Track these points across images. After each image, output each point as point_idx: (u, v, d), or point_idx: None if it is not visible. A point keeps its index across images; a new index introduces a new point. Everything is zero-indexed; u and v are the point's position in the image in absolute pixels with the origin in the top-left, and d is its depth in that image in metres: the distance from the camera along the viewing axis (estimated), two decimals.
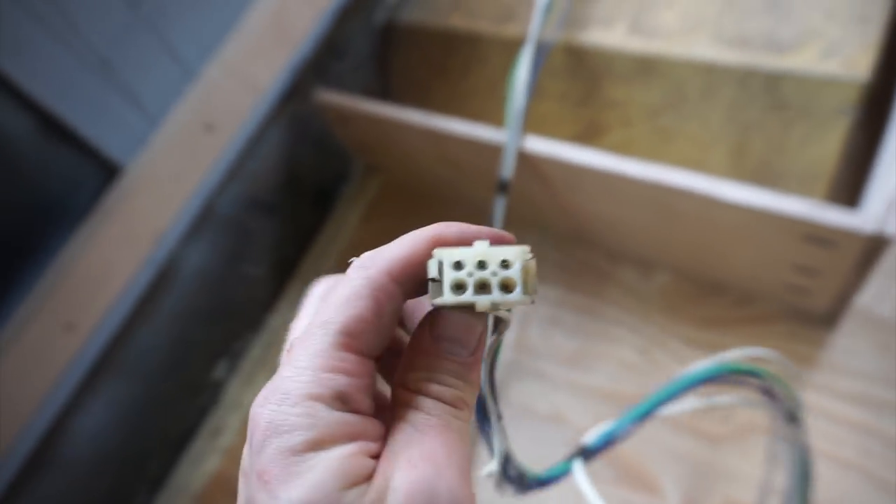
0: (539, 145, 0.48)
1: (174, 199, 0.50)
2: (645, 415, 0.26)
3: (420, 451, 0.17)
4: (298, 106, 0.60)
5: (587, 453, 0.25)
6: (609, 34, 0.52)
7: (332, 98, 0.58)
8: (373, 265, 0.19)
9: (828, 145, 0.46)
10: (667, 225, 0.48)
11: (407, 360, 0.19)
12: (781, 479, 0.37)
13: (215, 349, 0.60)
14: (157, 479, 0.58)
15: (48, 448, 0.48)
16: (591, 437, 0.25)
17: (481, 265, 0.18)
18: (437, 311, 0.19)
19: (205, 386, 0.60)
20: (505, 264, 0.18)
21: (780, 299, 0.49)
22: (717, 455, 0.46)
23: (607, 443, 0.25)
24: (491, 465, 0.23)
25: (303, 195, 0.66)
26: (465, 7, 0.60)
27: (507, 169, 0.48)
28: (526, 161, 0.49)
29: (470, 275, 0.18)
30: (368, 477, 0.17)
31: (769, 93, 0.47)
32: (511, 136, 0.47)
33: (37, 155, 0.45)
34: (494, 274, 0.18)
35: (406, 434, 0.18)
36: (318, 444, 0.16)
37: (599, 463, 0.48)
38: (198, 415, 0.60)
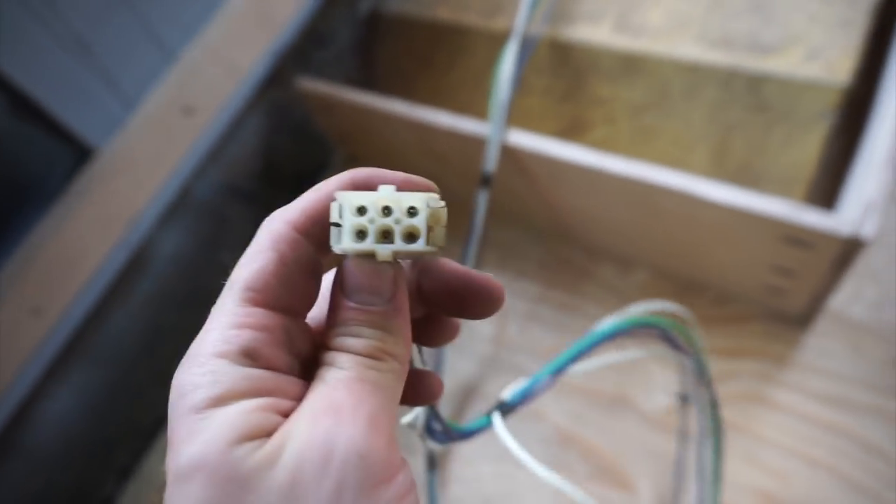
0: (523, 139, 0.47)
1: (149, 182, 0.49)
2: (558, 370, 0.27)
3: (323, 404, 0.16)
4: (279, 92, 0.59)
5: (505, 407, 0.26)
6: (595, 31, 0.52)
7: (315, 86, 0.57)
8: (275, 216, 0.18)
9: (807, 148, 0.46)
10: (647, 222, 0.48)
11: (327, 319, 0.18)
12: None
13: (189, 336, 0.59)
14: (125, 469, 0.57)
15: (11, 435, 0.47)
16: (509, 392, 0.26)
17: (386, 211, 0.17)
18: (345, 262, 0.18)
19: None
20: (412, 212, 0.17)
21: (756, 299, 0.50)
22: (691, 451, 0.46)
23: (524, 397, 0.26)
24: (410, 415, 0.22)
25: (282, 184, 0.65)
26: None
27: (490, 162, 0.48)
28: (509, 155, 0.49)
29: (372, 221, 0.17)
30: (270, 431, 0.16)
31: (751, 94, 0.47)
32: (494, 129, 0.47)
33: (8, 134, 0.43)
34: (398, 221, 0.17)
35: (316, 391, 0.17)
36: (219, 401, 0.16)
37: (575, 460, 0.48)
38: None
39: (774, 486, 0.44)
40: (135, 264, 0.51)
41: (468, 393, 0.53)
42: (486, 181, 0.48)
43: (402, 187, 0.18)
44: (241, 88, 0.54)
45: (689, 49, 0.49)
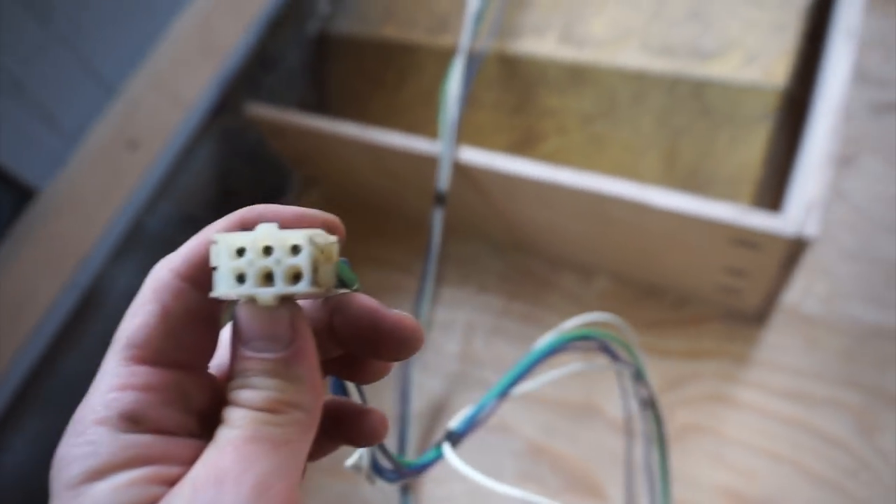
0: (474, 156, 0.47)
1: (97, 220, 0.47)
2: (502, 393, 0.28)
3: (206, 473, 0.15)
4: (229, 120, 0.58)
5: (454, 436, 0.26)
6: (541, 43, 0.53)
7: (264, 112, 0.56)
8: (161, 266, 0.17)
9: (752, 150, 0.48)
10: (602, 231, 0.49)
11: (228, 370, 0.17)
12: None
13: None
14: None
15: None
16: (456, 421, 0.27)
17: (267, 252, 0.15)
18: (235, 308, 0.17)
19: None
20: (295, 250, 0.15)
21: (713, 300, 0.50)
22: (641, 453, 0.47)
23: (471, 425, 0.27)
24: (353, 457, 0.21)
25: (239, 209, 0.64)
26: (398, 17, 0.60)
27: (443, 181, 0.48)
28: (462, 172, 0.49)
29: (251, 263, 0.15)
30: None
31: (696, 99, 0.48)
32: (445, 147, 0.47)
33: None
34: (279, 262, 0.15)
35: (205, 456, 0.15)
36: (95, 475, 0.15)
37: (547, 472, 0.48)
38: None
39: (741, 484, 0.44)
40: (86, 304, 0.50)
41: (437, 411, 0.53)
42: (440, 199, 0.48)
43: (292, 224, 0.17)
44: (188, 118, 0.53)
45: (633, 58, 0.50)
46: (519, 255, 0.58)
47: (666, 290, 0.53)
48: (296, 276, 0.16)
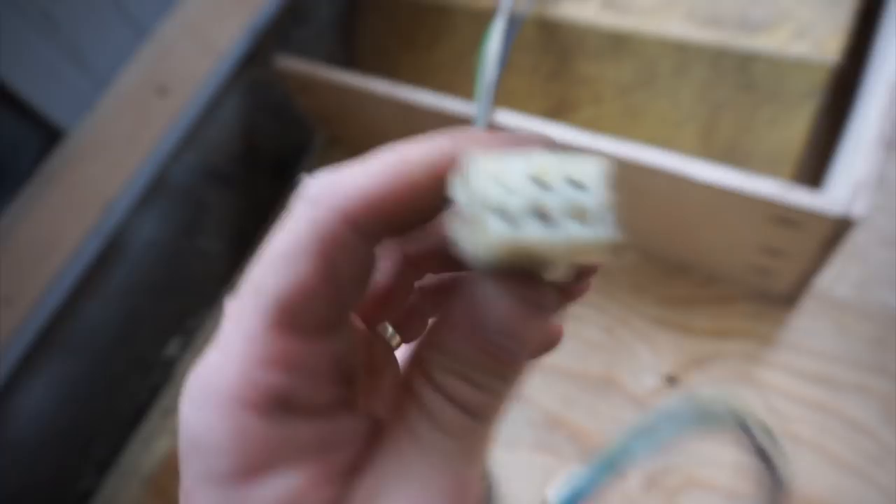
0: (510, 119, 0.46)
1: (124, 166, 0.47)
2: (612, 469, 0.23)
3: (418, 493, 0.12)
4: (258, 72, 0.57)
5: None
6: (582, 8, 0.51)
7: (294, 65, 0.55)
8: (325, 199, 0.13)
9: (795, 128, 0.46)
10: (635, 203, 0.48)
11: (435, 333, 0.13)
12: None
13: (168, 325, 0.58)
14: (104, 461, 0.55)
15: None
16: (554, 495, 0.22)
17: (541, 185, 0.11)
18: (486, 283, 0.12)
19: (156, 364, 0.58)
20: (577, 184, 0.11)
21: (744, 280, 0.50)
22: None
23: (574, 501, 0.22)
24: None
25: (261, 166, 0.63)
26: None
27: None
28: None
29: (528, 198, 0.11)
30: None
31: (740, 73, 0.47)
32: (481, 109, 0.46)
33: None
34: (567, 199, 0.11)
35: (403, 451, 0.13)
36: (252, 472, 0.12)
37: (563, 442, 0.48)
38: (149, 394, 0.58)
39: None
40: (110, 251, 0.50)
41: None
42: None
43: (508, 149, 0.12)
44: (219, 67, 0.52)
45: (677, 28, 0.48)
46: None
47: (695, 267, 0.52)
48: (581, 220, 0.11)
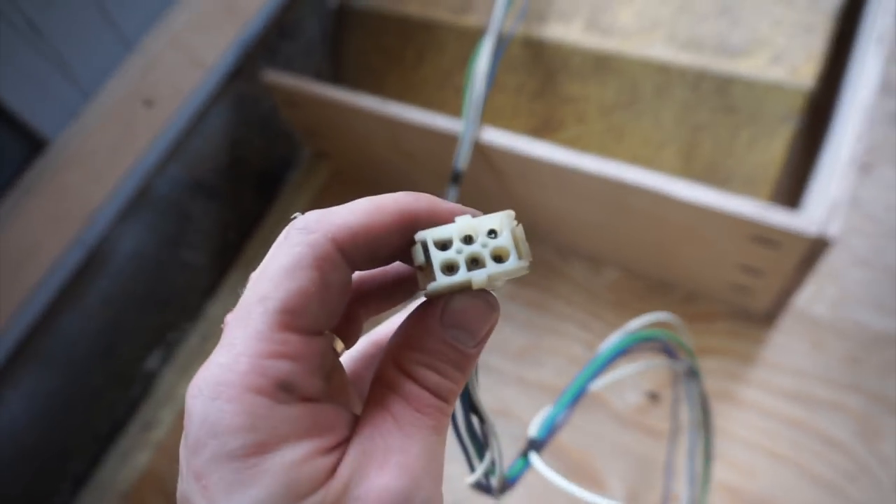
0: (496, 137, 0.47)
1: (107, 177, 0.46)
2: (577, 396, 0.28)
3: (399, 458, 0.15)
4: (245, 86, 0.57)
5: (538, 444, 0.26)
6: (567, 30, 0.52)
7: (281, 79, 0.55)
8: (318, 229, 0.16)
9: (772, 150, 0.47)
10: (618, 221, 0.48)
11: (405, 335, 0.17)
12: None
13: (149, 338, 0.57)
14: (81, 477, 0.54)
15: None
16: (535, 428, 0.26)
17: (468, 240, 0.16)
18: (451, 297, 0.17)
19: (136, 377, 0.57)
20: (492, 234, 0.17)
21: (723, 298, 0.50)
22: (659, 450, 0.47)
23: (552, 430, 0.26)
24: (478, 473, 0.22)
25: (247, 179, 0.63)
26: None
27: (462, 159, 0.47)
28: (481, 152, 0.48)
29: (459, 252, 0.16)
30: (324, 479, 0.15)
31: (720, 95, 0.48)
32: (468, 126, 0.47)
33: None
34: (484, 246, 0.16)
35: (384, 429, 0.16)
36: (261, 448, 0.14)
37: (547, 458, 0.48)
38: (128, 408, 0.57)
39: (740, 482, 0.44)
40: (92, 262, 0.49)
41: None
42: (456, 178, 0.48)
43: (449, 216, 0.18)
44: (205, 80, 0.52)
45: (659, 50, 0.49)
46: (529, 241, 0.57)
47: (675, 285, 0.53)
48: (498, 258, 0.17)
